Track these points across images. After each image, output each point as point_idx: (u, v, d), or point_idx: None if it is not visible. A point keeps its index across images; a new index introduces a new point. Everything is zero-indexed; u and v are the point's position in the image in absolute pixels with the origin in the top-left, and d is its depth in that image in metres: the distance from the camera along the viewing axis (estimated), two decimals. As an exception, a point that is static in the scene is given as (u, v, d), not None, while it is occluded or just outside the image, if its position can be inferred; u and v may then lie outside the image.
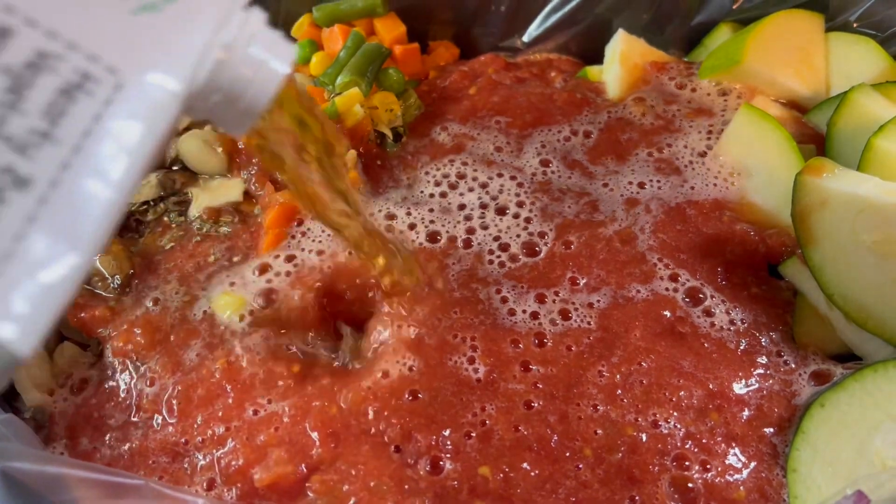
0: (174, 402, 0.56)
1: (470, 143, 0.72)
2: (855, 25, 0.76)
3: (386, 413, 0.54)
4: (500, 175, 0.69)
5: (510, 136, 0.73)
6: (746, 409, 0.56)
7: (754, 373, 0.57)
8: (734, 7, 0.80)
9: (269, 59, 0.35)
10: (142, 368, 0.59)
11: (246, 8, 0.35)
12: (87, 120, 0.28)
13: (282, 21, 0.83)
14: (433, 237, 0.65)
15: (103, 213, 0.27)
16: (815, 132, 0.71)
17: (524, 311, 0.60)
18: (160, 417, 0.56)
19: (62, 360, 0.61)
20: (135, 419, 0.57)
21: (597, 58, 0.83)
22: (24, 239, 0.26)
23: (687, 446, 0.54)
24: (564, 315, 0.60)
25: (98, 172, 0.28)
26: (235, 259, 0.65)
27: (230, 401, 0.55)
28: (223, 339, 0.59)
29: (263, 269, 0.63)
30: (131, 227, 0.68)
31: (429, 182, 0.69)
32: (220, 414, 0.55)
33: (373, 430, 0.53)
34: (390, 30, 0.81)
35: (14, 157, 0.26)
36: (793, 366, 0.58)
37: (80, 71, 0.28)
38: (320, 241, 0.64)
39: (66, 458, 0.54)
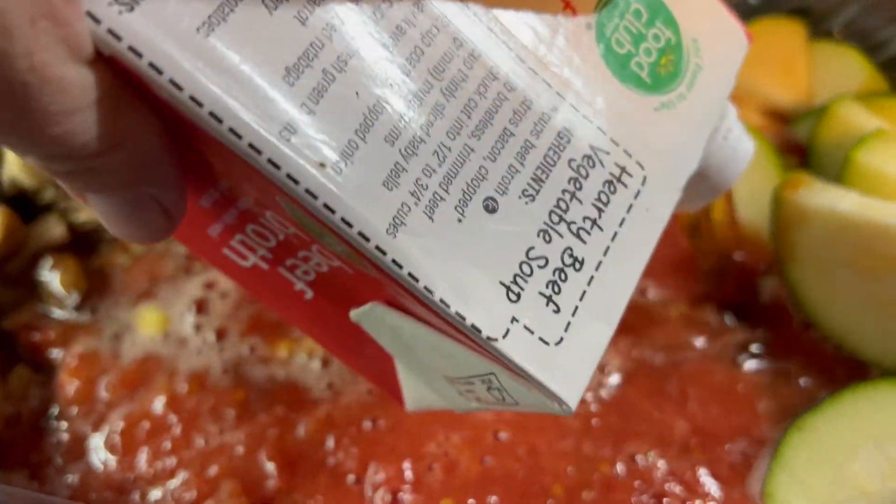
0: (116, 436, 0.55)
1: None
2: (838, 35, 0.75)
3: (344, 441, 0.52)
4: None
5: None
6: (730, 444, 0.54)
7: (738, 401, 0.55)
8: (715, 15, 0.79)
9: (739, 150, 0.40)
10: (86, 400, 0.57)
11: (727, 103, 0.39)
12: (623, 209, 0.32)
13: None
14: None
15: (627, 291, 0.32)
16: (797, 144, 0.70)
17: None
18: (104, 453, 0.55)
19: (16, 382, 0.59)
20: (77, 451, 0.55)
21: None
22: (577, 312, 0.30)
23: (667, 485, 0.52)
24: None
25: (625, 256, 0.31)
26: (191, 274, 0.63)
27: (178, 432, 0.54)
28: (171, 365, 0.57)
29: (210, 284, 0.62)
30: (89, 245, 0.66)
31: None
32: (167, 446, 0.53)
33: (331, 459, 0.51)
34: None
35: (574, 240, 0.30)
36: (783, 391, 0.56)
37: (620, 165, 0.32)
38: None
39: (14, 490, 0.52)
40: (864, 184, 0.59)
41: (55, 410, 0.58)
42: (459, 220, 0.28)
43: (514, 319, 0.28)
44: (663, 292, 0.61)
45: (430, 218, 0.27)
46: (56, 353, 0.59)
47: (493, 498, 0.50)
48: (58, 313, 0.62)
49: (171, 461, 0.53)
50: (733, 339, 0.59)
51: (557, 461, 0.52)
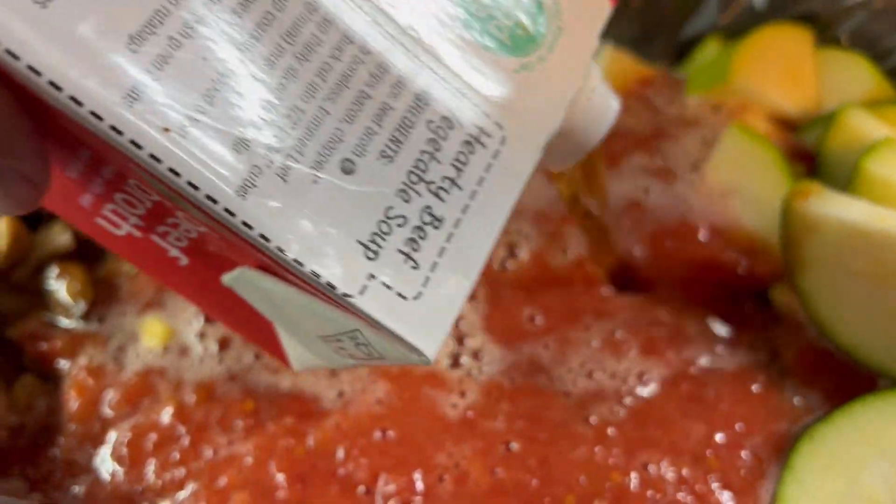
0: (124, 447, 0.54)
1: None
2: (845, 41, 0.74)
3: (355, 452, 0.51)
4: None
5: None
6: (745, 452, 0.54)
7: (750, 412, 0.55)
8: (721, 20, 0.79)
9: (604, 108, 0.41)
10: (93, 411, 0.57)
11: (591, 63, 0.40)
12: (481, 169, 0.33)
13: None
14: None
15: (485, 248, 0.33)
16: (805, 151, 0.70)
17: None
18: (111, 464, 0.54)
19: (22, 392, 0.58)
20: (83, 462, 0.55)
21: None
22: (436, 268, 0.31)
23: (679, 495, 0.51)
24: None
25: (484, 213, 0.33)
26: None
27: (186, 443, 0.53)
28: (177, 375, 0.57)
29: None
30: (97, 252, 0.65)
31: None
32: (176, 458, 0.53)
33: (341, 470, 0.51)
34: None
35: (433, 198, 0.31)
36: (794, 402, 0.56)
37: (479, 126, 0.33)
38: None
39: (21, 503, 0.52)
40: (874, 192, 0.59)
41: (61, 421, 0.57)
42: (315, 182, 0.29)
43: (371, 276, 0.29)
44: (675, 304, 0.61)
45: (284, 179, 0.28)
46: (62, 363, 0.59)
47: None
48: (64, 322, 0.61)
49: (179, 473, 0.52)
50: (744, 349, 0.58)
51: (569, 471, 0.51)
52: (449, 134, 0.33)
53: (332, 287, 0.29)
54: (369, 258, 0.29)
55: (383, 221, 0.30)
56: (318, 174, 0.29)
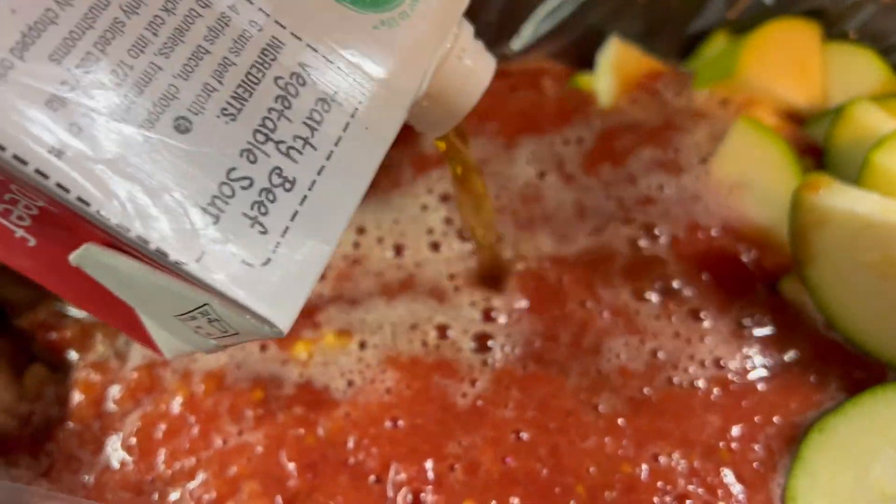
0: (133, 437, 0.54)
1: None
2: (853, 36, 0.74)
3: (365, 442, 0.52)
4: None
5: (498, 145, 0.71)
6: (756, 444, 0.53)
7: (760, 404, 0.55)
8: (729, 16, 0.79)
9: (476, 70, 0.39)
10: (102, 401, 0.57)
11: (461, 22, 0.38)
12: (339, 129, 0.31)
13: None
14: (398, 250, 0.64)
15: (346, 211, 0.31)
16: (813, 145, 0.70)
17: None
18: (121, 453, 0.54)
19: (32, 381, 0.58)
20: (93, 453, 0.55)
21: (590, 65, 0.81)
22: (288, 232, 0.29)
23: (691, 486, 0.51)
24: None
25: (343, 175, 0.31)
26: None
27: (196, 432, 0.53)
28: (186, 365, 0.57)
29: None
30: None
31: (411, 194, 0.67)
32: (186, 447, 0.53)
33: (351, 459, 0.51)
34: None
35: (283, 159, 0.29)
36: (803, 393, 0.56)
37: (334, 83, 0.32)
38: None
39: (34, 489, 0.52)
40: (883, 185, 0.59)
41: (70, 410, 0.57)
42: (145, 141, 0.27)
43: (211, 242, 0.27)
44: (685, 295, 0.61)
45: (108, 139, 0.26)
46: (72, 353, 0.59)
47: (515, 499, 0.50)
48: (74, 312, 0.61)
49: (189, 462, 0.53)
50: (753, 341, 0.58)
51: (580, 461, 0.51)
52: (300, 91, 0.31)
53: (163, 254, 0.27)
54: (210, 223, 0.27)
55: (225, 184, 0.28)
56: (149, 133, 0.27)
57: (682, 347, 0.57)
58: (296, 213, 0.29)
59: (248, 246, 0.28)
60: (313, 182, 0.30)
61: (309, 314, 0.60)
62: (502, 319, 0.59)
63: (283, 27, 0.31)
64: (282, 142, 0.30)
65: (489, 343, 0.58)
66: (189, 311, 0.31)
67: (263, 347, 0.58)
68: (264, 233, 0.29)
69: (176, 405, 0.55)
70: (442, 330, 0.58)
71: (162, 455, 0.53)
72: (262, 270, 0.28)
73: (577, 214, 0.66)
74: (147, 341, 0.38)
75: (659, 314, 0.59)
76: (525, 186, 0.68)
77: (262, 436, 0.52)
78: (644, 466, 0.52)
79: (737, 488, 0.52)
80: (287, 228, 0.29)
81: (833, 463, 0.52)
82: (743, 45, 0.73)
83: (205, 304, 0.29)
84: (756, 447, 0.53)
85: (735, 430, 0.54)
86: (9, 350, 0.60)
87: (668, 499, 0.51)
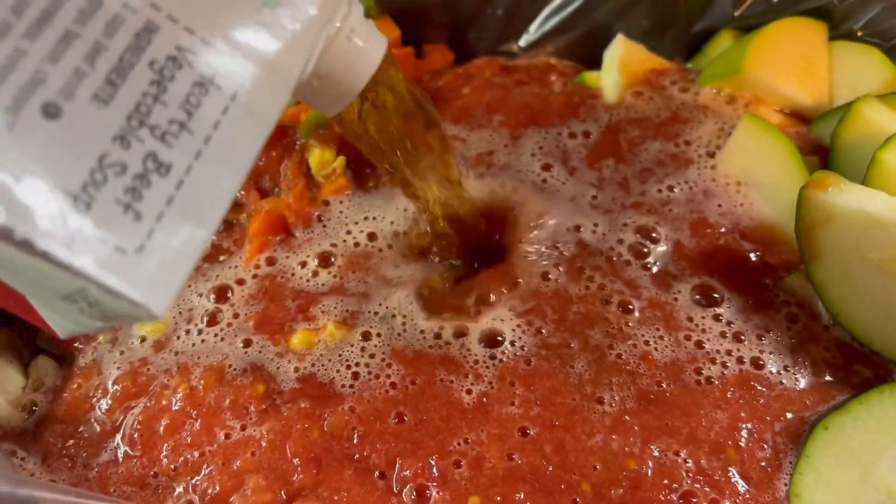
0: (136, 433, 0.54)
1: (460, 145, 0.70)
2: (859, 34, 0.74)
3: (370, 437, 0.51)
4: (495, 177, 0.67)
5: (503, 136, 0.71)
6: (761, 441, 0.53)
7: (766, 401, 0.55)
8: (736, 14, 0.78)
9: (367, 49, 0.40)
10: (104, 396, 0.57)
11: (350, 1, 0.38)
12: (217, 112, 0.31)
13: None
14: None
15: (225, 196, 0.31)
16: (818, 143, 0.70)
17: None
18: (124, 447, 0.54)
19: (37, 373, 0.58)
20: (96, 446, 0.55)
21: (596, 63, 0.81)
22: (163, 218, 0.29)
23: (697, 485, 0.51)
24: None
25: (223, 159, 0.31)
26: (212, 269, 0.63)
27: (197, 426, 0.53)
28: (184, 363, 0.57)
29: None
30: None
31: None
32: (189, 441, 0.53)
33: (356, 455, 0.51)
34: (384, 33, 0.79)
35: (158, 144, 0.29)
36: (810, 390, 0.56)
37: (213, 66, 0.31)
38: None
39: (38, 481, 0.52)
40: (891, 184, 0.59)
41: (74, 402, 0.57)
42: (10, 127, 0.26)
43: (81, 229, 0.27)
44: (693, 291, 0.60)
45: None
46: (77, 345, 0.59)
47: (521, 496, 0.49)
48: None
49: (193, 456, 0.52)
50: (760, 337, 0.58)
51: (585, 458, 0.51)
52: (177, 75, 0.30)
53: (30, 243, 0.26)
54: (80, 210, 0.27)
55: (97, 170, 0.28)
56: (14, 119, 0.26)
57: (688, 344, 0.57)
58: (171, 199, 0.29)
59: (121, 232, 0.28)
60: (190, 167, 0.30)
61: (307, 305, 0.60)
62: (507, 315, 0.59)
63: (159, 10, 0.30)
64: (156, 126, 0.30)
65: (499, 338, 0.58)
66: (71, 294, 0.30)
67: (274, 341, 0.58)
68: (138, 219, 0.29)
69: (177, 399, 0.55)
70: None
71: (164, 449, 0.53)
72: (136, 256, 0.28)
73: (582, 207, 0.66)
74: (42, 323, 0.37)
75: (665, 311, 0.59)
76: (533, 177, 0.68)
77: (266, 429, 0.52)
78: (651, 463, 0.51)
79: (743, 486, 0.51)
80: (162, 214, 0.29)
81: (838, 460, 0.52)
82: (749, 43, 0.73)
83: (83, 288, 0.29)
84: (762, 444, 0.53)
85: (741, 427, 0.54)
86: (15, 343, 0.60)
87: (673, 496, 0.50)
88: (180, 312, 0.60)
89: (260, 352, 0.57)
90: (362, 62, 0.40)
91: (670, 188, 0.66)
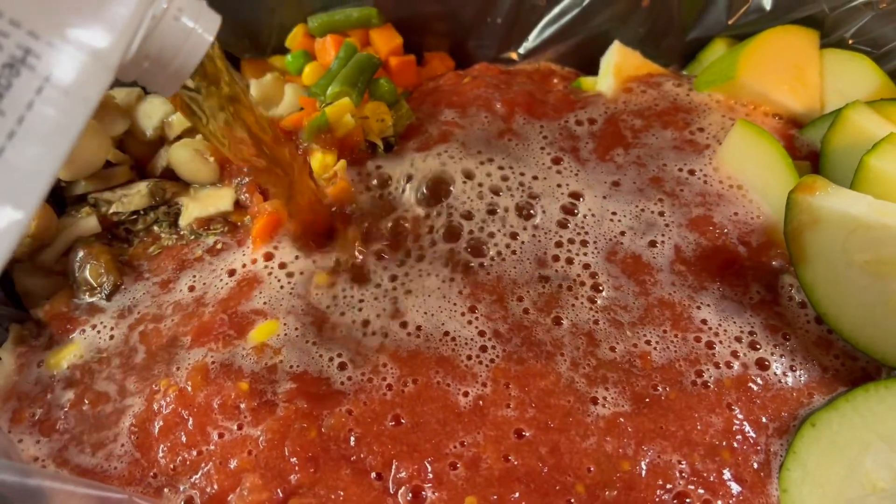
0: (134, 433, 0.56)
1: (458, 132, 0.72)
2: (850, 42, 0.76)
3: (367, 438, 0.53)
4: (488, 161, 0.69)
5: (498, 123, 0.73)
6: (752, 443, 0.55)
7: (756, 400, 0.56)
8: (730, 22, 0.80)
9: (197, 29, 0.40)
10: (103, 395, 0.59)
11: None
12: (31, 92, 0.31)
13: (276, 32, 0.82)
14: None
15: (45, 176, 0.31)
16: (809, 149, 0.71)
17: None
18: (124, 446, 0.56)
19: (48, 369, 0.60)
20: (96, 446, 0.56)
21: (593, 70, 0.83)
22: None
23: (691, 486, 0.52)
24: (557, 322, 0.60)
25: (40, 139, 0.31)
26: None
27: (191, 426, 0.54)
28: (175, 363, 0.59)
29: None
30: (121, 236, 0.67)
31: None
32: (184, 440, 0.54)
33: (353, 456, 0.52)
34: (387, 41, 0.81)
35: None
36: (798, 388, 0.57)
37: (24, 46, 0.31)
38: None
39: (47, 471, 0.53)
40: (878, 188, 0.60)
41: (74, 403, 0.58)
42: None
43: None
44: (688, 293, 0.62)
45: None
46: (74, 337, 0.61)
47: (516, 496, 0.51)
48: (88, 303, 0.63)
49: (190, 455, 0.53)
50: (751, 338, 0.60)
51: (580, 460, 0.52)
52: None
53: None
54: None
55: None
56: None
57: (681, 346, 0.59)
58: None
59: None
60: (2, 147, 0.30)
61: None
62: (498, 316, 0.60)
63: None
64: None
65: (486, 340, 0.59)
66: None
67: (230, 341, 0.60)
68: None
69: (170, 400, 0.56)
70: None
71: (161, 450, 0.54)
72: None
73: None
74: None
75: (657, 312, 0.60)
76: (537, 166, 0.69)
77: (263, 430, 0.54)
78: (644, 465, 0.53)
79: (734, 483, 0.53)
80: None
81: (825, 456, 0.53)
82: (742, 50, 0.74)
83: None
84: (753, 443, 0.54)
85: (731, 427, 0.55)
86: (26, 338, 0.62)
87: (667, 497, 0.51)
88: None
89: (234, 352, 0.59)
90: (192, 42, 0.40)
91: (665, 187, 0.68)
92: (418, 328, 0.59)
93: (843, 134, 0.67)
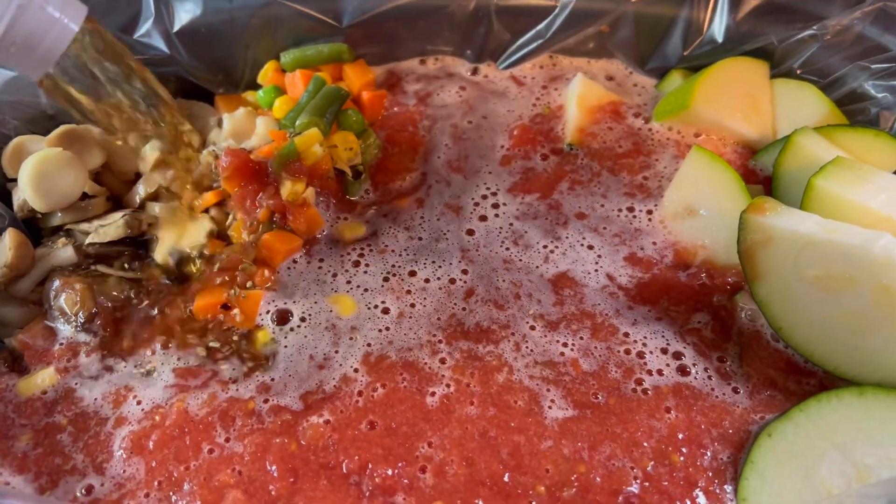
0: (120, 450, 0.57)
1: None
2: (798, 72, 0.80)
3: (343, 444, 0.55)
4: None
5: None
6: (706, 450, 0.57)
7: (712, 412, 0.59)
8: (685, 54, 0.84)
9: (62, 18, 0.43)
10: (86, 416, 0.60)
11: None
12: None
13: (249, 67, 0.84)
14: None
15: None
16: (764, 173, 0.75)
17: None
18: (110, 464, 0.57)
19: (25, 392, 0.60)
20: (81, 464, 0.57)
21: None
22: None
23: (646, 485, 0.54)
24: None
25: None
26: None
27: (187, 442, 0.56)
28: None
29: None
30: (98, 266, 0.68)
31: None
32: (172, 458, 0.56)
33: (332, 462, 0.54)
34: (359, 76, 0.83)
35: None
36: (754, 400, 0.59)
37: None
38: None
39: (16, 492, 0.54)
40: (825, 207, 0.63)
41: (60, 426, 0.59)
42: None
43: None
44: (642, 311, 0.64)
45: None
46: (60, 371, 0.61)
47: (479, 501, 0.52)
48: (64, 332, 0.63)
49: (174, 473, 0.55)
50: (706, 352, 0.62)
51: (539, 462, 0.55)
52: None
53: None
54: None
55: None
56: None
57: (635, 358, 0.61)
58: None
59: None
60: None
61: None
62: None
63: None
64: None
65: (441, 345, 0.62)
66: None
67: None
68: None
69: (156, 419, 0.57)
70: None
71: (145, 467, 0.55)
72: None
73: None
74: None
75: (612, 326, 0.63)
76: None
77: (248, 443, 0.55)
78: (599, 468, 0.55)
79: (688, 490, 0.54)
80: None
81: (781, 465, 0.55)
82: (696, 81, 0.78)
83: None
84: (707, 452, 0.56)
85: (686, 436, 0.57)
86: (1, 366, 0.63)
87: (621, 498, 0.53)
88: None
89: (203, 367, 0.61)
90: (57, 30, 0.43)
91: (619, 214, 0.71)
92: None
93: (793, 158, 0.70)
